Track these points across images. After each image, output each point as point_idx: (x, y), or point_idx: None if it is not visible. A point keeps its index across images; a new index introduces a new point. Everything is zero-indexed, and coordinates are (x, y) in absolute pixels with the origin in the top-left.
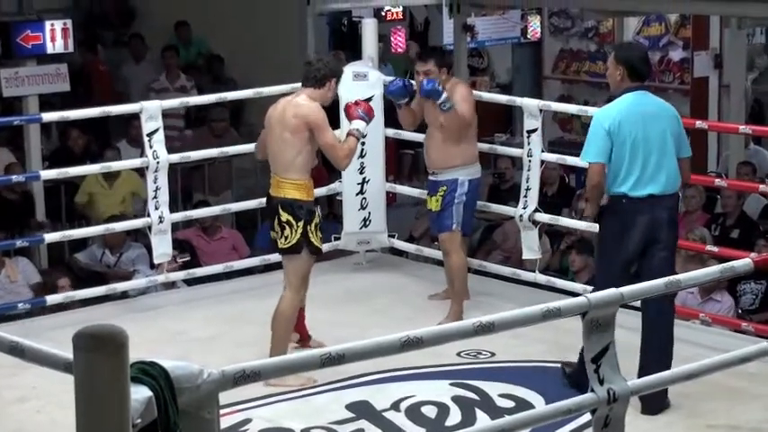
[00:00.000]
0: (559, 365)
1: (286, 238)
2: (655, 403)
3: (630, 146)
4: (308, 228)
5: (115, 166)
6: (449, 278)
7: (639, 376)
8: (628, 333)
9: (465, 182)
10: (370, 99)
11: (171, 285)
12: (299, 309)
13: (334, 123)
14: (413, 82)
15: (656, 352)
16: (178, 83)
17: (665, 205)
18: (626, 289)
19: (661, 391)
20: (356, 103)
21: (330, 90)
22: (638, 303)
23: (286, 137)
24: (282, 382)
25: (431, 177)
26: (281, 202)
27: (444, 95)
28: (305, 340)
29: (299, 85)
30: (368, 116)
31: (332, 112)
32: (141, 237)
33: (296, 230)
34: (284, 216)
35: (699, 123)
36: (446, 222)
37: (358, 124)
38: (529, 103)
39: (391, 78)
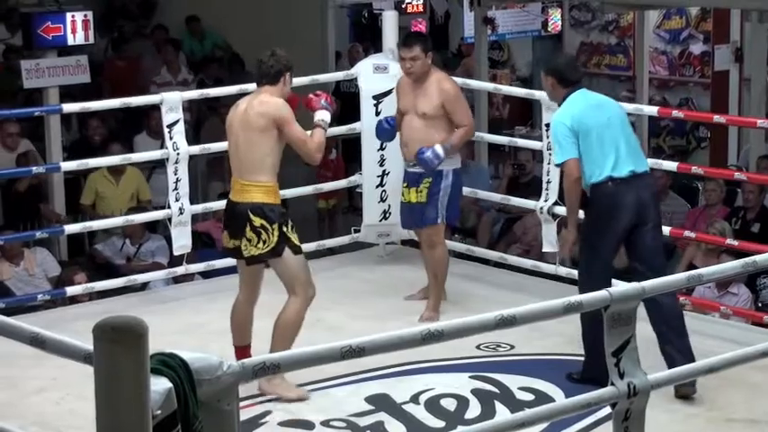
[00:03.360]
0: (573, 370)
1: (264, 242)
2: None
3: (596, 135)
4: (284, 229)
5: (135, 157)
6: (431, 271)
7: (667, 361)
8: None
9: (449, 173)
10: (389, 92)
11: (188, 277)
12: (304, 318)
13: (356, 117)
14: (389, 119)
15: (675, 338)
16: (180, 76)
17: (646, 183)
18: (647, 283)
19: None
20: (316, 95)
21: (286, 84)
22: None
23: (254, 138)
24: (279, 391)
25: (411, 169)
26: (251, 208)
27: (441, 151)
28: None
29: (317, 77)
30: (330, 107)
31: (352, 105)
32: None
33: (272, 233)
34: (257, 221)
35: (716, 118)
36: (431, 215)
37: (322, 115)
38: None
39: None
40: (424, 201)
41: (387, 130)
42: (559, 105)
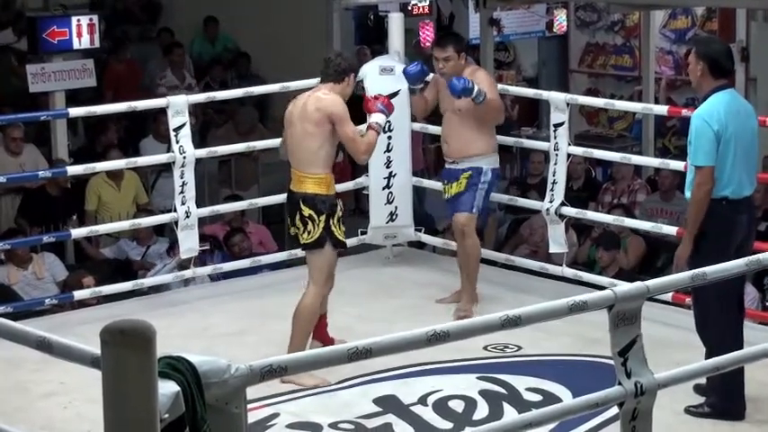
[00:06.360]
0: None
1: (309, 232)
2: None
3: (733, 147)
4: (331, 221)
5: (142, 161)
6: (463, 264)
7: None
8: (660, 327)
9: (488, 171)
10: (394, 95)
11: (195, 280)
12: (320, 310)
13: (362, 119)
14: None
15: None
16: (186, 81)
17: (752, 203)
18: (651, 282)
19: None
20: (375, 98)
21: (349, 85)
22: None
23: (309, 129)
24: (296, 380)
25: (449, 166)
26: (303, 197)
27: (476, 88)
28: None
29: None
30: (387, 110)
31: (358, 107)
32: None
33: (318, 224)
34: (306, 211)
35: None
36: (467, 203)
37: (377, 117)
38: (556, 97)
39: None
40: (463, 189)
41: (417, 71)
42: (703, 99)
